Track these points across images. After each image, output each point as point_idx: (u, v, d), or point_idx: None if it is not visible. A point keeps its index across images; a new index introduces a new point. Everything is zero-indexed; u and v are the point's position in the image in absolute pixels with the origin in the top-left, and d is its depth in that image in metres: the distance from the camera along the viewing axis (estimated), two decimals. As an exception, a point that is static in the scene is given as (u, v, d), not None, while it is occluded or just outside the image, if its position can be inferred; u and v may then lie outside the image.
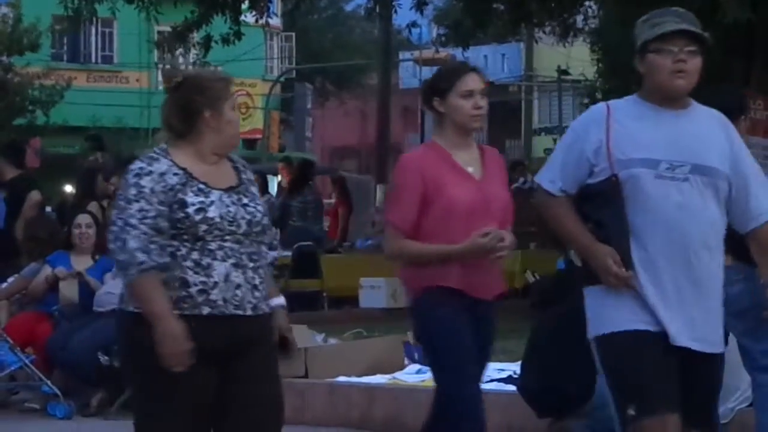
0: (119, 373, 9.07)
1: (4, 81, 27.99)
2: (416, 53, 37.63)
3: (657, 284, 4.70)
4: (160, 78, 36.87)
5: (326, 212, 19.07)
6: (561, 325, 7.21)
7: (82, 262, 9.65)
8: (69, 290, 9.41)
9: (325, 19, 49.99)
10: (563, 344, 7.05)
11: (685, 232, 4.76)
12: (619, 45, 18.10)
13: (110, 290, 9.23)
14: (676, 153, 4.75)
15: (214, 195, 4.60)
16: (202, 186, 4.60)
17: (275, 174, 19.82)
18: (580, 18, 18.95)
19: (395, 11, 16.63)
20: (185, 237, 4.52)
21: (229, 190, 4.66)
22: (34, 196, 11.47)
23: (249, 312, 4.60)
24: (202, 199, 4.57)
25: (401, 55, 42.35)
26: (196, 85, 4.71)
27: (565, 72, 38.82)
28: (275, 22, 33.14)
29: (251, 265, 4.65)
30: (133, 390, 4.76)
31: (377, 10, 17.11)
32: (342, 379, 8.86)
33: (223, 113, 4.70)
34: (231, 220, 4.57)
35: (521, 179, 17.62)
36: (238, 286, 4.58)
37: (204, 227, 4.53)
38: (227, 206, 4.60)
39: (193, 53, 16.61)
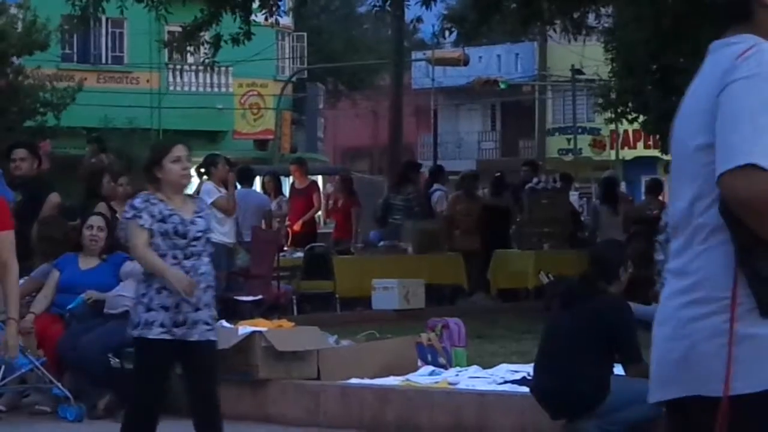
0: (130, 376, 9.09)
1: (15, 84, 27.98)
2: (429, 53, 37.56)
3: None
4: (171, 78, 36.93)
5: (334, 213, 19.05)
6: (575, 327, 7.17)
7: (89, 263, 9.62)
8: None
9: (338, 20, 49.96)
10: (577, 346, 7.02)
11: None
12: (633, 44, 18.03)
13: (122, 292, 9.20)
14: None
15: None
16: None
17: (287, 175, 19.77)
18: (592, 16, 18.87)
19: (407, 7, 16.60)
20: None
21: None
22: (53, 198, 11.45)
23: None
24: None
25: (414, 55, 42.30)
26: None
27: (579, 71, 38.74)
28: (286, 22, 33.10)
29: None
30: None
31: (387, 8, 17.06)
32: (354, 380, 8.83)
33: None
34: None
35: (535, 179, 17.55)
36: None
37: None
38: None
39: (203, 52, 16.57)
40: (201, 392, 6.69)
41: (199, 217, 6.73)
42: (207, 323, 6.61)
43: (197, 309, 6.56)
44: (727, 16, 3.29)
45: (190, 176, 6.92)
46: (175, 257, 6.57)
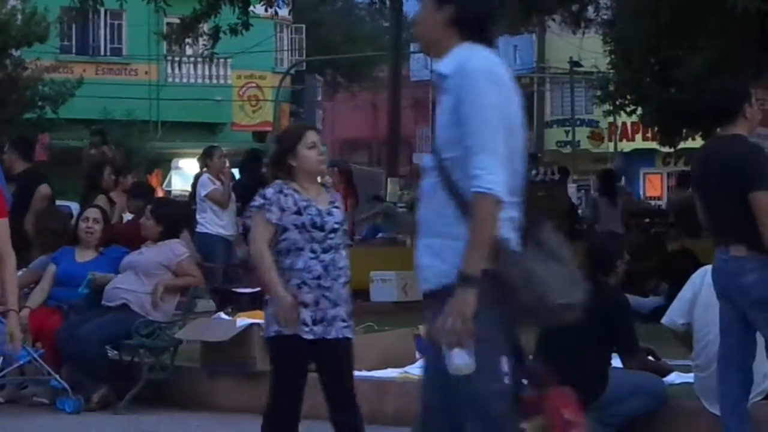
0: (128, 368, 9.12)
1: (14, 76, 27.95)
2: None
3: None
4: (169, 70, 36.91)
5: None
6: (573, 321, 7.15)
7: (86, 256, 9.62)
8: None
9: (336, 11, 49.93)
10: (575, 338, 7.03)
11: None
12: (631, 36, 18.02)
13: (119, 285, 9.21)
14: None
15: None
16: None
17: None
18: (591, 8, 18.88)
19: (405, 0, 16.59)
20: None
21: None
22: (43, 189, 11.46)
23: None
24: None
25: (412, 47, 42.28)
26: None
27: (578, 64, 38.73)
28: (285, 14, 33.09)
29: None
30: None
31: (387, 1, 17.05)
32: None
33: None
34: None
35: (533, 171, 17.57)
36: None
37: None
38: None
39: (202, 44, 16.57)
40: (339, 391, 6.36)
41: (335, 207, 6.35)
42: (344, 320, 6.25)
43: (335, 305, 6.21)
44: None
45: (326, 163, 6.52)
46: (313, 251, 6.17)
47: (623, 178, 29.07)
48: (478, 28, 4.06)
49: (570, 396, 4.43)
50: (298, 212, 6.18)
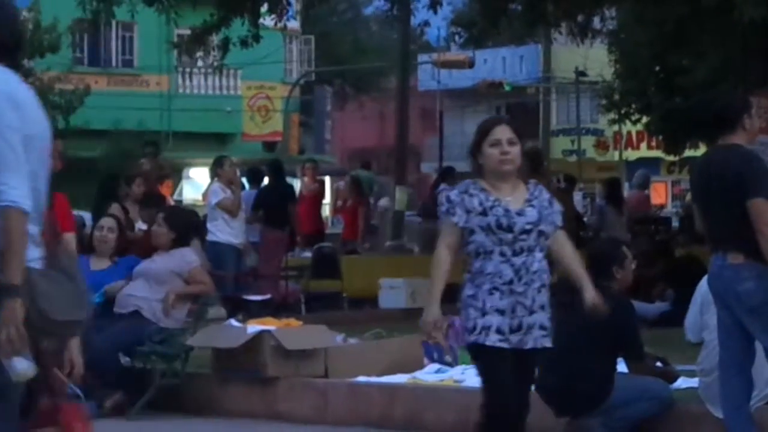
0: (140, 374, 9.20)
1: (25, 85, 28.05)
2: (434, 56, 37.62)
3: None
4: (180, 81, 37.01)
5: (342, 212, 19.13)
6: (579, 325, 7.23)
7: (101, 265, 9.70)
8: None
9: (344, 22, 49.99)
10: (581, 344, 7.08)
11: None
12: (637, 46, 18.09)
13: (131, 292, 9.29)
14: None
15: None
16: None
17: (294, 176, 19.88)
18: (597, 19, 18.95)
19: (413, 15, 16.68)
20: None
21: None
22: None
23: None
24: None
25: (420, 58, 42.34)
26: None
27: (583, 73, 38.77)
28: (294, 25, 33.19)
29: None
30: None
31: (394, 11, 17.15)
32: (362, 378, 8.89)
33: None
34: None
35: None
36: None
37: None
38: None
39: (212, 56, 16.68)
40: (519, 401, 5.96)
41: (531, 206, 5.85)
42: (542, 327, 5.87)
43: (532, 312, 5.81)
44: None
45: (512, 161, 5.88)
46: (502, 254, 5.75)
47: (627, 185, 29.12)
48: (4, 53, 4.23)
49: (83, 412, 4.72)
50: (483, 213, 5.78)
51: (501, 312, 5.75)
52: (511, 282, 5.75)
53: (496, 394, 5.84)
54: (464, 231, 5.80)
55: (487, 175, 5.87)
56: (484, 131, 5.91)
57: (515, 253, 5.76)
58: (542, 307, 5.84)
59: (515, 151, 5.90)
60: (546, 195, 5.96)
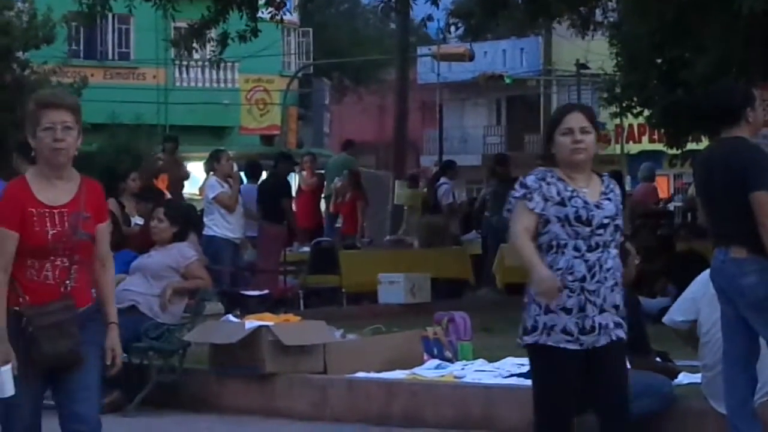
0: (137, 370, 9.14)
1: (20, 78, 27.99)
2: (434, 48, 37.57)
3: None
4: (177, 74, 36.96)
5: (341, 207, 19.08)
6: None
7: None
8: None
9: (342, 15, 49.95)
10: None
11: None
12: (637, 38, 18.02)
13: (128, 287, 9.24)
14: None
15: None
16: None
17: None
18: (599, 11, 18.88)
19: (411, 8, 16.60)
20: None
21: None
22: None
23: None
24: None
25: (419, 50, 42.28)
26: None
27: (584, 66, 38.71)
28: (292, 17, 33.12)
29: None
30: None
31: (393, 4, 17.07)
32: (361, 374, 8.87)
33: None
34: None
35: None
36: None
37: None
38: None
39: (210, 50, 16.60)
40: (611, 404, 5.63)
41: (607, 199, 5.59)
42: (616, 323, 5.56)
43: (602, 311, 5.50)
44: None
45: (585, 150, 5.62)
46: (576, 248, 5.48)
47: (628, 178, 29.11)
48: None
49: None
50: (562, 203, 5.50)
51: (567, 311, 5.47)
52: (583, 279, 5.48)
53: (550, 398, 5.56)
54: (540, 219, 5.52)
55: (560, 165, 5.60)
56: (555, 119, 5.67)
57: (590, 249, 5.49)
58: (615, 307, 5.55)
59: (589, 139, 5.65)
60: (618, 189, 5.72)
